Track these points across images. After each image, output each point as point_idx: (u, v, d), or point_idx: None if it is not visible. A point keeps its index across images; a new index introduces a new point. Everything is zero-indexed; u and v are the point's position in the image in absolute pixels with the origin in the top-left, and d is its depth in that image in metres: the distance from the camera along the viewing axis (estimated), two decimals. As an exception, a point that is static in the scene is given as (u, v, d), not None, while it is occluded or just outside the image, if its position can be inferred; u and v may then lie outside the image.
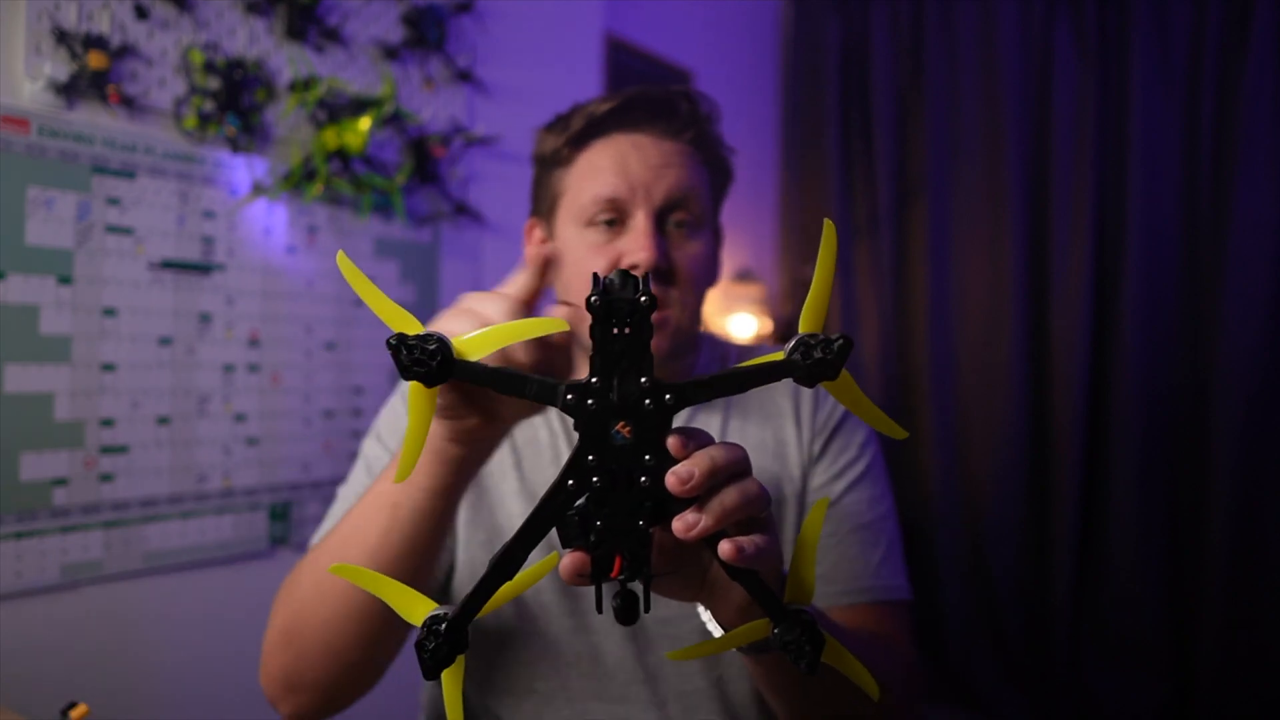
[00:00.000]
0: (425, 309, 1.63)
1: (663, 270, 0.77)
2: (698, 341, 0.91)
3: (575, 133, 0.81)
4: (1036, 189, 2.44)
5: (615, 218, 0.78)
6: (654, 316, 0.78)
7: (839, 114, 2.78)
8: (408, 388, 0.43)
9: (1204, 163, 2.20)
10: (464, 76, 1.66)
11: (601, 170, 0.78)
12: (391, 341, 0.41)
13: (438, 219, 1.64)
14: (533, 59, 1.81)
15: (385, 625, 0.67)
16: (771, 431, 0.85)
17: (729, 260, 2.71)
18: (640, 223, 0.77)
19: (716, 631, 0.56)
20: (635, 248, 0.76)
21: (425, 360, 0.41)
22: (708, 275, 0.83)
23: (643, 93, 0.81)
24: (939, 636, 2.53)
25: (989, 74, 2.49)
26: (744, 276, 2.70)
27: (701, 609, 0.56)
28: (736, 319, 2.60)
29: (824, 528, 0.81)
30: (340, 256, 0.42)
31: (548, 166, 0.84)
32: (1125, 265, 2.28)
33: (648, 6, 2.40)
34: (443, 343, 0.41)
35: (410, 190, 1.58)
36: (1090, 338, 2.32)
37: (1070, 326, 2.35)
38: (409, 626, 0.73)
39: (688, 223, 0.79)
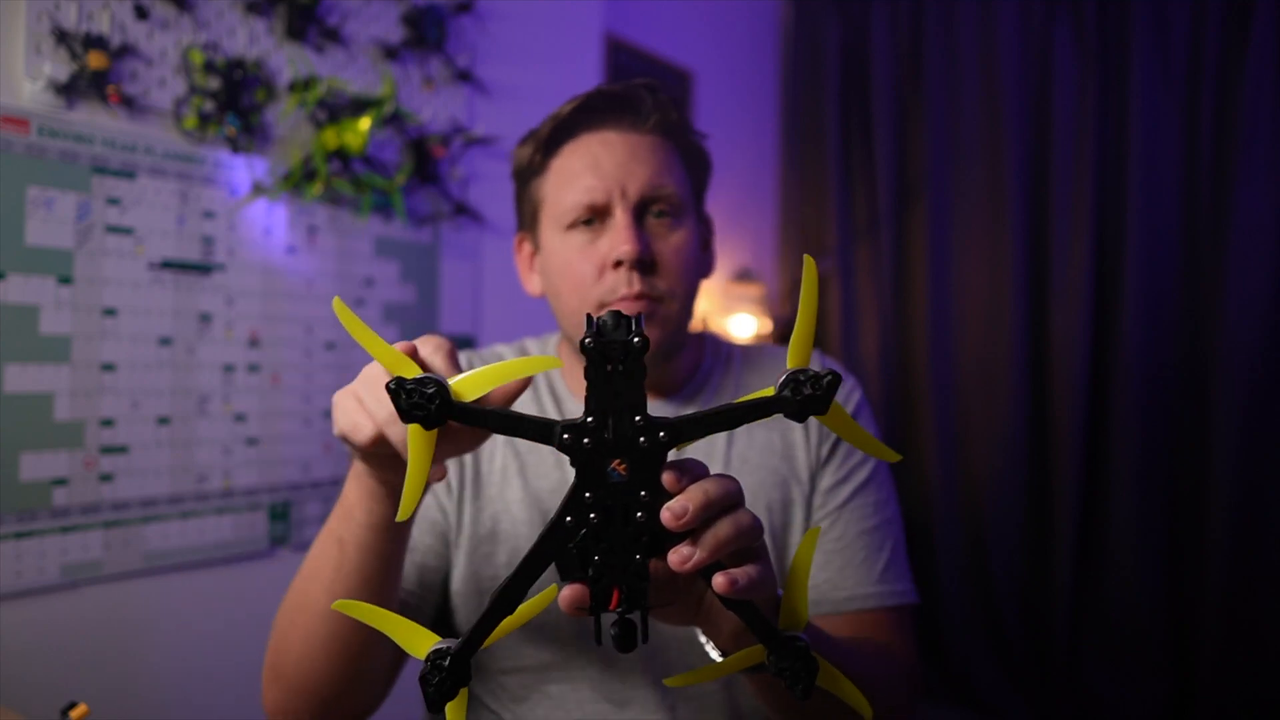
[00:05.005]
0: (425, 309, 1.63)
1: (646, 262, 0.77)
2: (700, 340, 0.91)
3: (544, 140, 0.81)
4: (1036, 189, 2.44)
5: (595, 218, 0.78)
6: (644, 307, 0.78)
7: (839, 114, 2.78)
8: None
9: (1204, 163, 2.20)
10: (464, 76, 1.66)
11: (575, 173, 0.79)
12: (390, 386, 0.42)
13: (438, 219, 1.64)
14: (533, 59, 1.81)
15: (360, 660, 0.68)
16: (780, 433, 0.85)
17: (729, 260, 2.71)
18: (620, 219, 0.77)
19: (714, 655, 0.57)
20: (618, 243, 0.76)
21: (424, 404, 0.41)
22: (695, 264, 0.82)
23: (602, 90, 0.81)
24: (939, 636, 2.53)
25: (989, 74, 2.49)
26: (744, 276, 2.70)
27: (700, 633, 0.57)
28: (736, 319, 2.60)
29: (830, 532, 0.82)
30: (336, 302, 0.43)
31: (525, 178, 0.85)
32: (1125, 265, 2.28)
33: (648, 6, 2.40)
34: (440, 385, 0.42)
35: (410, 190, 1.58)
36: (1090, 337, 2.32)
37: (1070, 326, 2.35)
38: (391, 659, 0.74)
39: (668, 213, 0.79)
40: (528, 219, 0.86)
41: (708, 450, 0.84)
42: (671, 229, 0.80)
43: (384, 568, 0.64)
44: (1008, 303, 2.45)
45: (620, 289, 0.76)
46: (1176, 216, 2.24)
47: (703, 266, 0.86)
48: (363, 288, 1.53)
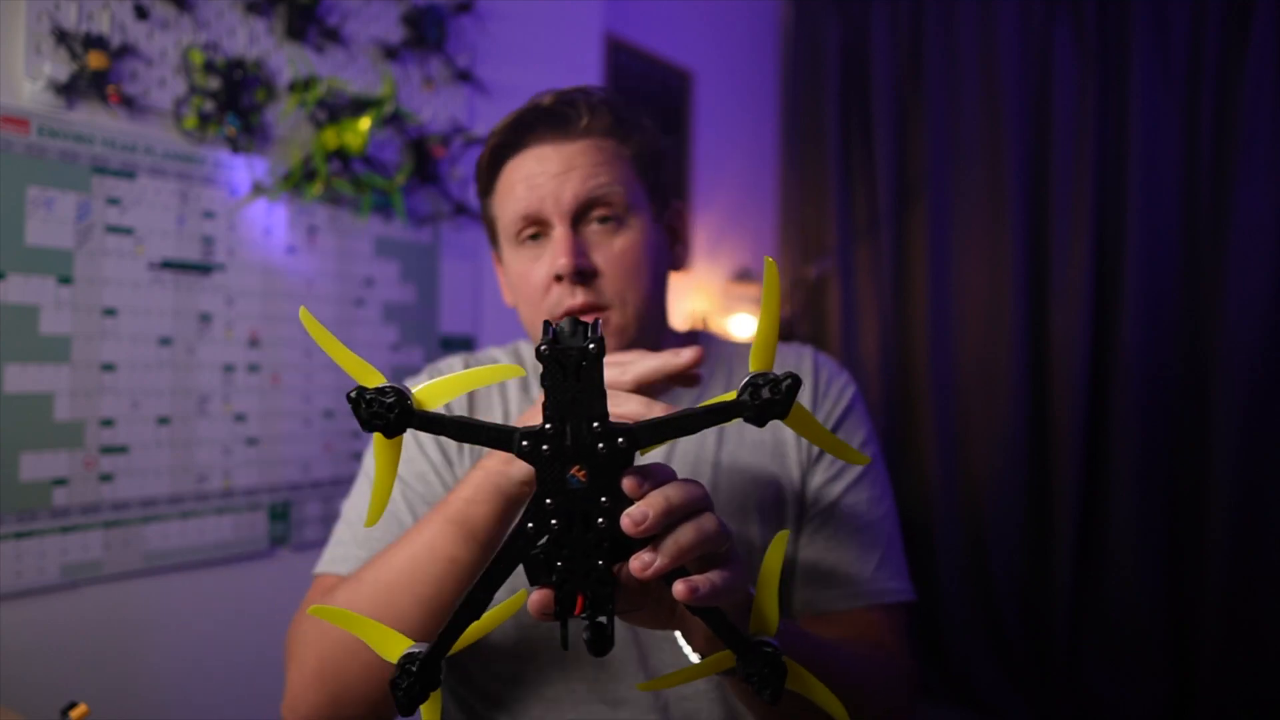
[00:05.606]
0: (425, 309, 1.63)
1: (586, 271, 0.77)
2: (691, 340, 0.90)
3: (486, 163, 0.82)
4: (1036, 189, 2.44)
5: (539, 232, 0.79)
6: (590, 317, 0.78)
7: (839, 114, 2.78)
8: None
9: (1204, 163, 2.20)
10: (464, 76, 1.66)
11: (513, 188, 0.79)
12: (351, 395, 0.42)
13: (438, 219, 1.64)
14: (533, 59, 1.81)
15: None
16: (770, 431, 0.85)
17: (729, 260, 2.71)
18: (558, 232, 0.77)
19: (693, 657, 0.57)
20: (555, 256, 0.76)
21: (383, 413, 0.42)
22: (647, 265, 0.81)
23: (536, 104, 0.81)
24: (939, 636, 2.53)
25: (989, 74, 2.49)
26: (744, 276, 2.70)
27: (678, 635, 0.57)
28: (736, 319, 2.60)
29: (822, 531, 0.82)
30: (303, 312, 0.43)
31: (482, 197, 0.86)
32: (1125, 265, 2.28)
33: (648, 6, 2.40)
34: (400, 395, 0.42)
35: (410, 190, 1.58)
36: (1090, 337, 2.32)
37: (1070, 326, 2.35)
38: None
39: (610, 217, 0.79)
40: (490, 235, 0.88)
41: (698, 450, 0.83)
42: (615, 233, 0.79)
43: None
44: (1008, 303, 2.45)
45: (565, 301, 0.77)
46: (1176, 216, 2.24)
47: (665, 263, 0.85)
48: (363, 288, 1.53)
